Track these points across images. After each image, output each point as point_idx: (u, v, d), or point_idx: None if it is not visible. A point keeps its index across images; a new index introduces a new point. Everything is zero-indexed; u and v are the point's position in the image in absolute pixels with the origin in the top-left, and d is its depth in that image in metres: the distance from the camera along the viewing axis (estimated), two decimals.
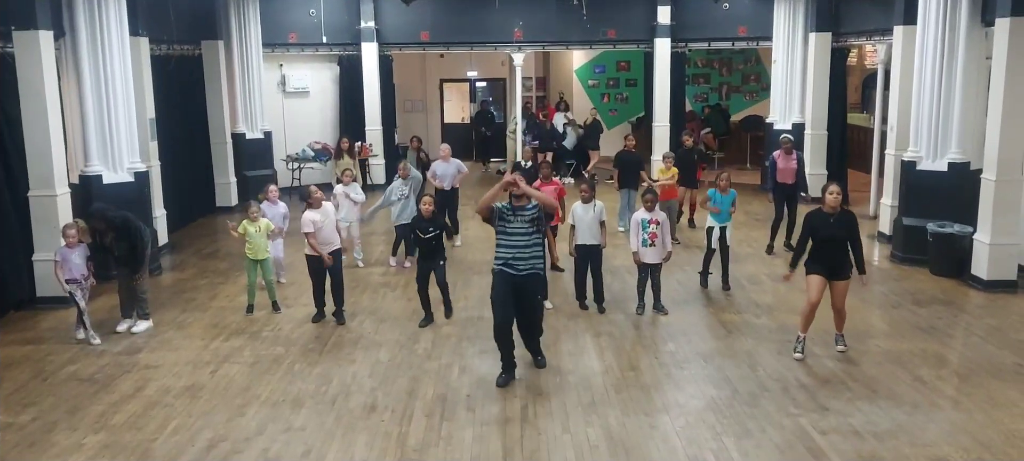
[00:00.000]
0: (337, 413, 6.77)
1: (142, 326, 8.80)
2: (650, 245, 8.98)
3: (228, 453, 6.12)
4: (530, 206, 7.26)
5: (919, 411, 6.69)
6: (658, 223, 8.98)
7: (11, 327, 9.05)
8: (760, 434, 6.32)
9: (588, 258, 9.22)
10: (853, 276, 7.70)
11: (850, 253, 7.64)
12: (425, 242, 8.73)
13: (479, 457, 6.04)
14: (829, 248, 7.61)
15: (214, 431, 6.47)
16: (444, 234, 9.02)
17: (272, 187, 10.64)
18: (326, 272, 8.95)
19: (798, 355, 7.78)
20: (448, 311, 9.06)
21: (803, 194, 12.20)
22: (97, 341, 8.40)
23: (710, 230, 9.91)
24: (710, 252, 9.99)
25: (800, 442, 6.19)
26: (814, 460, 5.92)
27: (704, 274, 10.12)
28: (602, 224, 9.14)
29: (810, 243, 7.78)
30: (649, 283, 9.16)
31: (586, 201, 9.14)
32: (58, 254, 8.51)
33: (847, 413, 6.64)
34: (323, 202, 9.03)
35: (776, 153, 12.00)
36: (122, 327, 8.75)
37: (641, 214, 9.03)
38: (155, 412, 6.82)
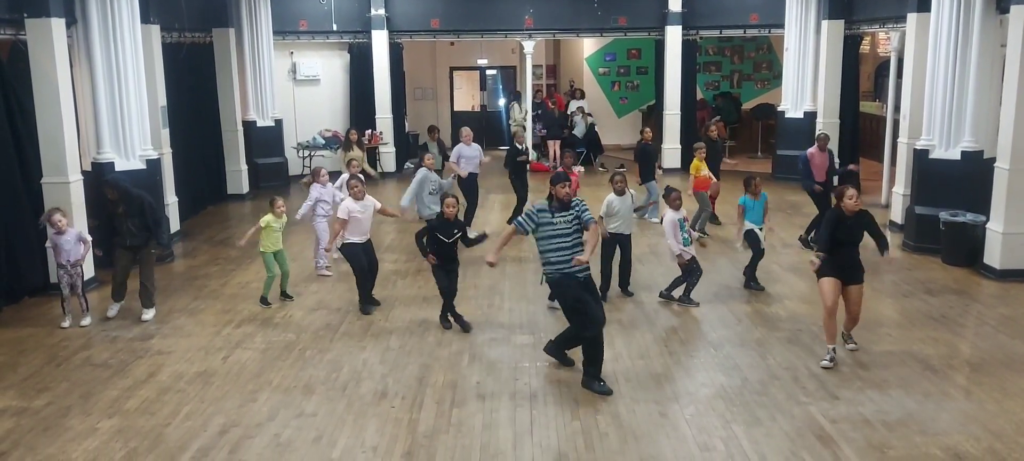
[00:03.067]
0: (348, 399, 6.81)
1: (149, 313, 8.81)
2: (691, 243, 9.02)
3: (240, 438, 6.17)
4: (574, 204, 6.96)
5: (930, 400, 6.67)
6: (687, 220, 9.17)
7: (25, 313, 9.13)
8: (770, 422, 6.32)
9: (618, 245, 9.26)
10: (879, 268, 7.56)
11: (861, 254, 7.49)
12: (448, 247, 8.22)
13: (489, 444, 6.06)
14: (845, 250, 7.39)
15: (226, 416, 6.52)
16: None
17: (323, 170, 10.57)
18: (367, 259, 8.98)
19: (826, 364, 7.32)
20: (446, 321, 8.47)
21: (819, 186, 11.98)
22: (68, 325, 8.52)
23: (750, 232, 9.64)
24: (760, 253, 9.67)
25: (810, 430, 6.19)
26: (824, 448, 5.91)
27: (751, 276, 9.74)
28: (635, 210, 9.42)
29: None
30: (688, 275, 9.09)
31: (620, 193, 9.11)
32: (49, 240, 8.57)
33: (858, 402, 6.63)
34: (367, 195, 8.99)
35: (811, 150, 11.71)
36: (112, 311, 8.74)
37: (676, 214, 8.94)
38: (168, 397, 6.88)
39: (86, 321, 8.62)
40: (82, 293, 8.65)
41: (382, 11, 17.51)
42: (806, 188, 11.64)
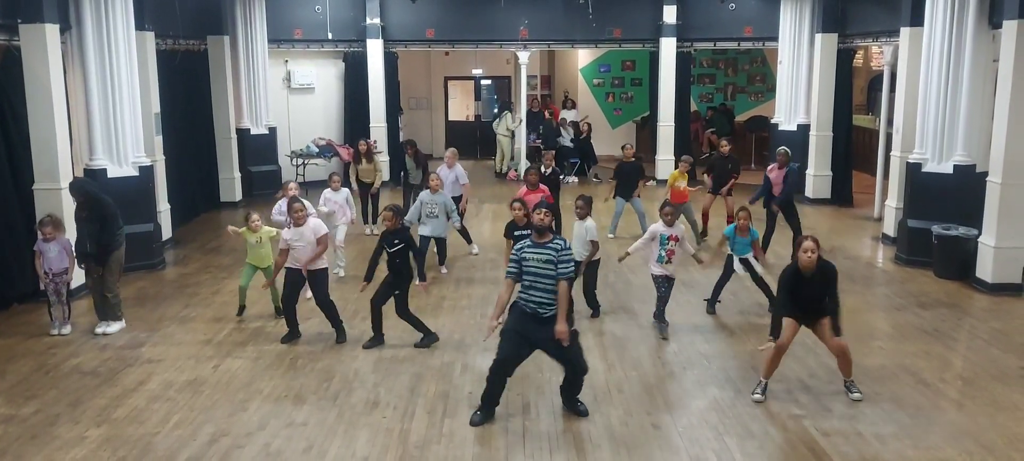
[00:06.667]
0: (339, 409, 6.77)
1: (114, 327, 8.54)
2: (666, 262, 8.43)
3: (230, 448, 6.12)
4: (553, 244, 6.35)
5: (922, 414, 6.67)
6: (677, 239, 8.40)
7: (15, 319, 9.07)
8: (763, 435, 6.31)
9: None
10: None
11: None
12: (389, 257, 7.87)
13: (481, 455, 6.03)
14: (807, 302, 6.82)
15: (216, 426, 6.47)
16: (411, 253, 7.98)
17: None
18: (302, 289, 8.38)
19: (758, 397, 6.87)
20: (428, 339, 8.20)
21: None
22: (56, 332, 8.47)
23: (730, 258, 9.03)
24: (723, 278, 9.14)
25: (803, 443, 6.17)
26: None
27: (711, 301, 9.30)
28: (593, 243, 8.61)
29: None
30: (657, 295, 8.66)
31: (581, 218, 8.70)
32: (37, 246, 8.52)
33: (850, 415, 6.62)
34: (308, 219, 8.12)
35: (771, 166, 11.58)
36: (99, 329, 8.50)
37: (660, 228, 8.45)
38: (157, 406, 6.83)
39: (66, 329, 8.54)
40: (66, 302, 8.59)
41: (377, 20, 17.53)
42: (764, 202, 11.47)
